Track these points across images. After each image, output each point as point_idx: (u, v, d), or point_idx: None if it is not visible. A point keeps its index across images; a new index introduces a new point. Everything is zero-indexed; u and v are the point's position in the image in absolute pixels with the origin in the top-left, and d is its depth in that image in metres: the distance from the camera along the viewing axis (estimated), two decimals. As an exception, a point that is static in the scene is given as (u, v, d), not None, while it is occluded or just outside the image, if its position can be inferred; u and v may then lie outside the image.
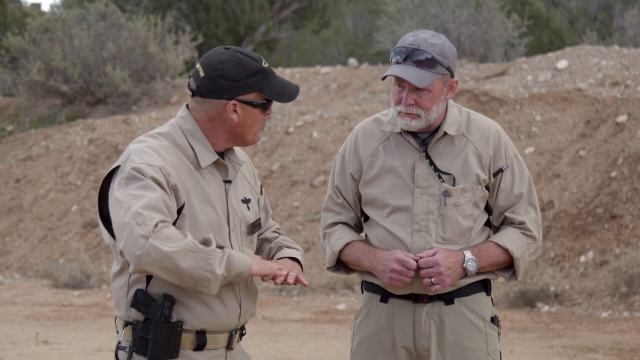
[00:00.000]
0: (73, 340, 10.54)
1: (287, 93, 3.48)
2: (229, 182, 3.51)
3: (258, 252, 3.72)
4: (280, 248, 3.68)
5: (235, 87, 3.41)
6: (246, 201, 3.56)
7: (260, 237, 3.72)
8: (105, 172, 3.44)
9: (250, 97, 3.43)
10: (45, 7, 64.60)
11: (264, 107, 3.47)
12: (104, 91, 19.81)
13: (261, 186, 3.71)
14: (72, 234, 16.15)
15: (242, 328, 3.56)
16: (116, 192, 3.31)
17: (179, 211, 3.36)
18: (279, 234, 3.79)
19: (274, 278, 3.47)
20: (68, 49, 19.54)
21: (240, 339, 3.57)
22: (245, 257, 3.35)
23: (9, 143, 18.94)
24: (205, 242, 3.28)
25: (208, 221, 3.40)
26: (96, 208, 16.43)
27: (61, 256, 15.79)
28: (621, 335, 10.89)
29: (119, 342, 3.41)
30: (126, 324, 3.41)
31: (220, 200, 3.46)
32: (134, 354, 3.36)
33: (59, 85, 19.40)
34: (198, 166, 3.43)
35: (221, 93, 3.41)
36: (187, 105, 3.52)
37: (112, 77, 19.29)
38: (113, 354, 9.74)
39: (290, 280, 3.48)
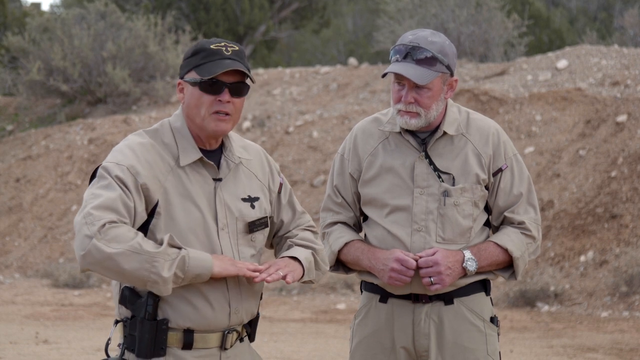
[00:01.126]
0: (73, 339, 10.54)
1: (214, 69, 3.37)
2: (219, 180, 3.48)
3: (280, 250, 3.66)
4: (290, 247, 3.61)
5: (182, 66, 3.46)
6: (250, 199, 3.51)
7: (286, 235, 3.66)
8: (92, 169, 3.46)
9: (189, 75, 3.42)
10: (45, 7, 64.62)
11: (201, 86, 3.39)
12: (103, 91, 19.80)
13: (280, 184, 3.63)
14: (72, 233, 16.15)
15: (246, 327, 3.53)
16: (86, 190, 3.36)
17: (154, 209, 3.35)
18: (312, 231, 3.68)
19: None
20: (68, 48, 19.53)
21: (249, 339, 3.54)
22: (204, 259, 3.31)
23: (8, 143, 18.94)
24: (161, 239, 3.29)
25: (188, 219, 3.38)
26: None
27: (61, 256, 15.79)
28: (621, 334, 10.89)
29: (109, 339, 3.44)
30: (118, 320, 3.43)
31: (207, 198, 3.43)
32: (125, 351, 3.38)
33: (58, 85, 19.39)
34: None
35: (180, 75, 3.49)
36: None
37: (112, 77, 19.29)
38: (112, 353, 9.75)
39: (270, 279, 3.40)
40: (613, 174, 13.48)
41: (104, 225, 3.20)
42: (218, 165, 3.48)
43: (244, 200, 3.50)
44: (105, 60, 19.49)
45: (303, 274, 3.52)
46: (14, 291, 14.35)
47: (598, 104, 14.80)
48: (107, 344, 3.44)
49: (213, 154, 3.48)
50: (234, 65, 3.37)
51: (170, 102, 19.42)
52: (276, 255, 3.67)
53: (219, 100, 3.39)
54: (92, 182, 3.35)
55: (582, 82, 15.53)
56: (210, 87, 3.38)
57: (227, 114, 3.41)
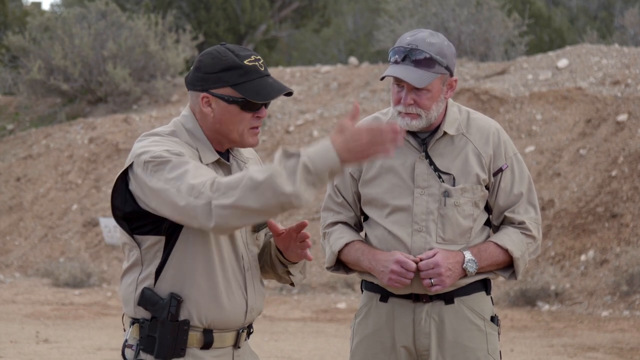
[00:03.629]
0: (73, 339, 10.54)
1: (264, 93, 3.36)
2: None
3: (263, 250, 3.68)
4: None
5: (206, 79, 3.36)
6: None
7: (268, 234, 3.67)
8: (119, 171, 3.38)
9: (223, 91, 3.35)
10: (46, 6, 64.62)
11: (242, 105, 3.37)
12: (104, 90, 19.81)
13: None
14: (72, 232, 16.15)
15: (250, 326, 3.55)
16: (150, 184, 3.24)
17: None
18: None
19: None
20: (68, 47, 19.54)
21: (248, 337, 3.56)
22: (326, 151, 3.08)
23: (9, 142, 18.95)
24: (278, 158, 3.12)
25: None
26: (97, 207, 16.45)
27: (61, 255, 15.79)
28: (621, 334, 10.89)
29: (126, 340, 3.40)
30: (133, 321, 3.39)
31: None
32: (140, 352, 3.35)
33: (59, 84, 19.40)
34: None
35: (195, 84, 3.38)
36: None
37: (112, 76, 19.29)
38: (113, 353, 9.77)
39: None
40: (613, 173, 13.48)
41: (211, 184, 3.13)
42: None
43: None
44: (105, 59, 19.49)
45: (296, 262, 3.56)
46: (14, 290, 14.35)
47: (598, 103, 14.80)
48: (124, 345, 3.40)
49: (222, 155, 3.49)
50: (282, 89, 3.37)
51: (171, 101, 19.42)
52: (262, 252, 3.66)
53: (257, 117, 3.40)
54: (146, 173, 3.24)
55: (582, 82, 15.53)
56: (252, 105, 3.36)
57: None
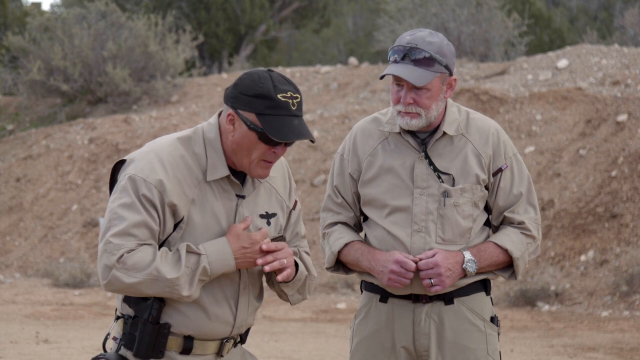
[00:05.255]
0: (73, 339, 10.55)
1: (284, 132, 3.33)
2: (242, 197, 3.46)
3: None
4: (297, 253, 3.62)
5: (238, 98, 3.36)
6: (267, 216, 3.50)
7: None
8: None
9: (248, 116, 3.35)
10: (46, 7, 64.61)
11: (260, 135, 3.35)
12: (104, 90, 19.81)
13: (295, 202, 3.63)
14: (72, 233, 16.15)
15: (242, 336, 3.55)
16: (110, 197, 3.40)
17: (177, 224, 3.38)
18: (308, 253, 3.67)
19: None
20: (68, 48, 19.54)
21: (235, 346, 3.54)
22: (225, 259, 3.36)
23: (9, 142, 18.95)
24: (178, 251, 3.33)
25: (208, 235, 3.39)
26: (96, 207, 16.46)
27: (61, 255, 15.79)
28: (621, 334, 10.90)
29: (108, 334, 3.47)
30: (119, 316, 3.45)
31: (227, 214, 3.42)
32: (122, 347, 3.40)
33: (59, 85, 19.40)
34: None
35: (229, 100, 3.40)
36: (219, 114, 3.49)
37: (112, 76, 19.30)
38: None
39: (269, 268, 3.41)
40: (613, 173, 13.48)
41: (122, 255, 3.28)
42: (243, 181, 3.47)
43: (262, 217, 3.50)
44: (105, 59, 19.49)
45: (289, 281, 3.53)
46: (14, 291, 14.35)
47: (598, 104, 14.80)
48: (106, 339, 3.48)
49: (238, 172, 3.48)
50: (304, 134, 3.34)
51: (171, 101, 19.41)
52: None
53: (274, 152, 3.40)
54: (116, 191, 3.36)
55: (582, 82, 15.53)
56: (269, 139, 3.35)
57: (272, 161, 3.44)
